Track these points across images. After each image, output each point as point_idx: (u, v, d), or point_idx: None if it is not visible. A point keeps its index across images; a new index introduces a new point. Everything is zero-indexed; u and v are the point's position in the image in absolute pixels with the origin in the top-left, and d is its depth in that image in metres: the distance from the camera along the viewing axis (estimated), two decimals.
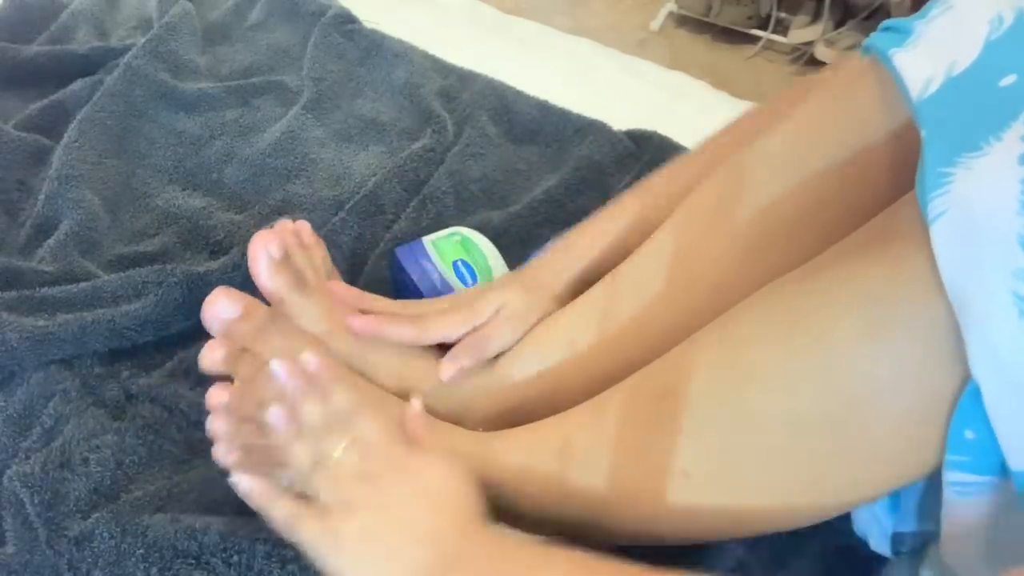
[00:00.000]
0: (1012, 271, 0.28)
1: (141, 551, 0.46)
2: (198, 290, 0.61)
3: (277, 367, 0.42)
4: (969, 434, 0.31)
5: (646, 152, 0.86)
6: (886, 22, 0.42)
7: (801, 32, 1.37)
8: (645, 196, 0.58)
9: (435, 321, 0.53)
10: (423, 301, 0.59)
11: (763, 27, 1.39)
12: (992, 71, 0.34)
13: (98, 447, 0.52)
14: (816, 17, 1.37)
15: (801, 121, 0.46)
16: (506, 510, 0.45)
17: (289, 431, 0.41)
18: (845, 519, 0.46)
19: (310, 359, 0.43)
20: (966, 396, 0.30)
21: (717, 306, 0.42)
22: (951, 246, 0.30)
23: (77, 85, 0.84)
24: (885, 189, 0.39)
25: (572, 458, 0.45)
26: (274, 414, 0.41)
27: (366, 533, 0.39)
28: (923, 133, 0.34)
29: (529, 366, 0.54)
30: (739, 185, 0.48)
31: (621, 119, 0.90)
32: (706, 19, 1.41)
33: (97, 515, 0.49)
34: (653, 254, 0.52)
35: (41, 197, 0.71)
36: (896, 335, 0.33)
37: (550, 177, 0.83)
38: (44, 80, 0.86)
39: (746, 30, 1.40)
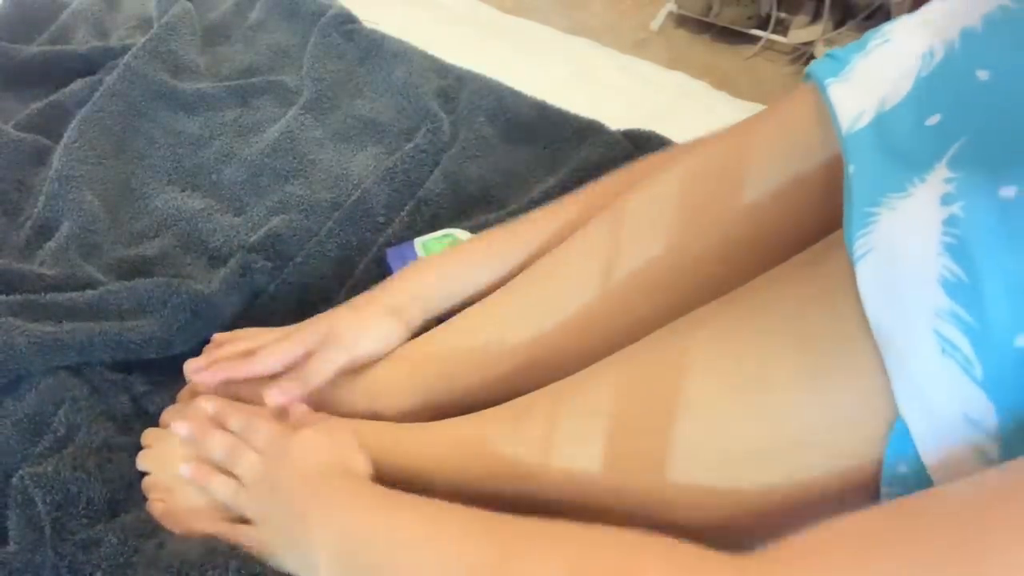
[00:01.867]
0: (934, 311, 0.28)
1: (143, 562, 0.47)
2: (201, 312, 0.62)
3: (177, 428, 0.52)
4: (902, 468, 0.31)
5: (645, 153, 0.86)
6: (831, 50, 0.42)
7: (801, 32, 1.37)
8: (536, 226, 0.57)
9: (263, 353, 0.55)
10: (264, 330, 0.60)
11: (763, 27, 1.39)
12: (919, 109, 0.35)
13: (108, 460, 0.53)
14: (816, 17, 1.37)
15: (743, 144, 0.46)
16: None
17: (199, 475, 0.50)
18: None
19: (206, 404, 0.53)
20: (896, 432, 0.31)
21: (657, 314, 0.43)
22: (875, 285, 0.30)
23: (77, 85, 0.84)
24: (823, 214, 0.39)
25: (492, 463, 0.45)
26: (183, 470, 0.50)
27: (276, 530, 0.46)
28: (850, 168, 0.34)
29: (454, 360, 0.53)
30: (676, 200, 0.48)
31: (620, 119, 0.90)
32: (706, 19, 1.41)
33: (104, 524, 0.49)
34: (588, 255, 0.51)
35: (41, 198, 0.71)
36: (832, 380, 0.33)
37: (548, 178, 0.83)
38: (44, 80, 0.86)
39: (746, 30, 1.40)
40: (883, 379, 0.31)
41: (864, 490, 0.34)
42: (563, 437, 0.42)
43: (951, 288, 0.28)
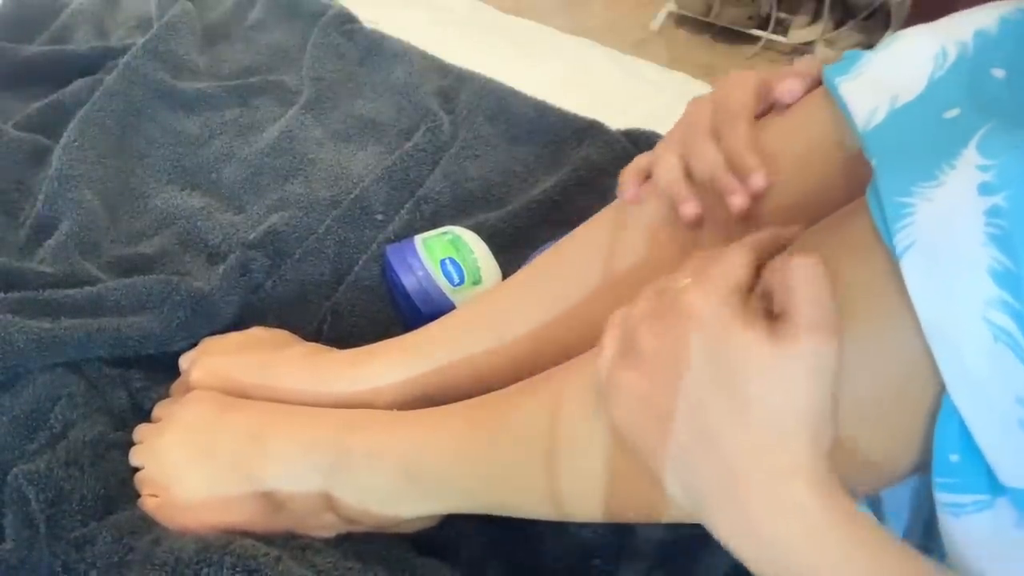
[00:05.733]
0: (984, 300, 0.29)
1: (138, 560, 0.47)
2: (200, 309, 0.62)
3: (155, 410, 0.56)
4: (954, 457, 0.31)
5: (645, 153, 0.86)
6: (848, 51, 0.42)
7: (801, 32, 1.37)
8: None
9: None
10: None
11: (763, 27, 1.39)
12: (935, 105, 0.35)
13: (102, 456, 0.53)
14: (816, 17, 1.37)
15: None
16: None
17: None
18: None
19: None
20: (945, 422, 0.31)
21: None
22: (924, 280, 0.30)
23: (77, 85, 0.84)
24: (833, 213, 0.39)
25: (495, 445, 0.45)
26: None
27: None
28: (873, 162, 0.34)
29: (448, 353, 0.53)
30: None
31: (620, 119, 0.91)
32: (706, 19, 1.41)
33: (98, 522, 0.49)
34: (590, 251, 0.52)
35: (41, 197, 0.71)
36: (864, 324, 0.33)
37: (547, 178, 0.83)
38: (44, 80, 0.86)
39: (746, 30, 1.41)
40: (922, 348, 0.31)
41: (896, 468, 0.34)
42: (570, 413, 0.42)
43: (1000, 278, 0.29)
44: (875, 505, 0.45)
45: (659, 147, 0.48)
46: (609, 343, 0.37)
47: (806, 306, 0.32)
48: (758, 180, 0.42)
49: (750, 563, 0.32)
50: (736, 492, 0.32)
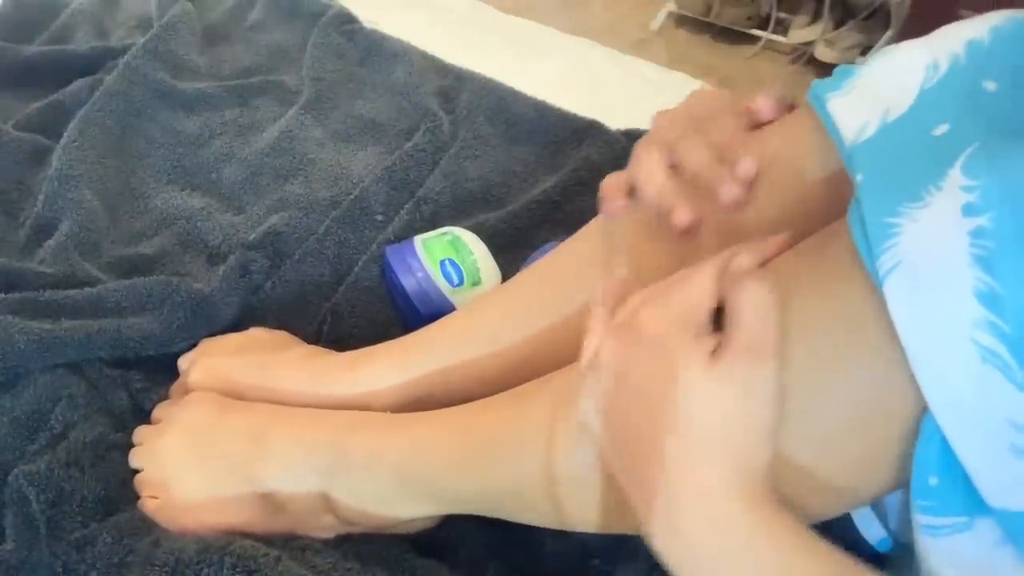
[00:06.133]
0: (970, 322, 0.29)
1: (138, 561, 0.47)
2: (200, 310, 0.62)
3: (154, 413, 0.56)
4: (933, 480, 0.31)
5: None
6: (840, 66, 0.42)
7: (801, 32, 1.37)
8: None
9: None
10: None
11: (763, 27, 1.39)
12: (925, 120, 0.35)
13: (102, 457, 0.53)
14: (816, 17, 1.37)
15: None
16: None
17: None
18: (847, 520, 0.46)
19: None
20: (925, 445, 0.31)
21: None
22: (906, 299, 0.30)
23: (77, 85, 0.85)
24: (822, 227, 0.39)
25: (493, 448, 0.45)
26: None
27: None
28: (858, 178, 0.34)
29: (448, 356, 0.54)
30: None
31: (620, 119, 0.91)
32: (706, 19, 1.41)
33: (98, 523, 0.49)
34: (585, 258, 0.52)
35: (40, 197, 0.71)
36: (842, 363, 0.33)
37: (547, 178, 0.83)
38: (44, 80, 0.86)
39: (746, 30, 1.41)
40: (900, 376, 0.31)
41: (875, 486, 0.35)
42: (567, 418, 0.42)
43: (985, 298, 0.29)
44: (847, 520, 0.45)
45: (636, 158, 0.48)
46: (586, 344, 0.40)
47: (745, 328, 0.33)
48: (748, 166, 0.43)
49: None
50: (673, 507, 0.33)
